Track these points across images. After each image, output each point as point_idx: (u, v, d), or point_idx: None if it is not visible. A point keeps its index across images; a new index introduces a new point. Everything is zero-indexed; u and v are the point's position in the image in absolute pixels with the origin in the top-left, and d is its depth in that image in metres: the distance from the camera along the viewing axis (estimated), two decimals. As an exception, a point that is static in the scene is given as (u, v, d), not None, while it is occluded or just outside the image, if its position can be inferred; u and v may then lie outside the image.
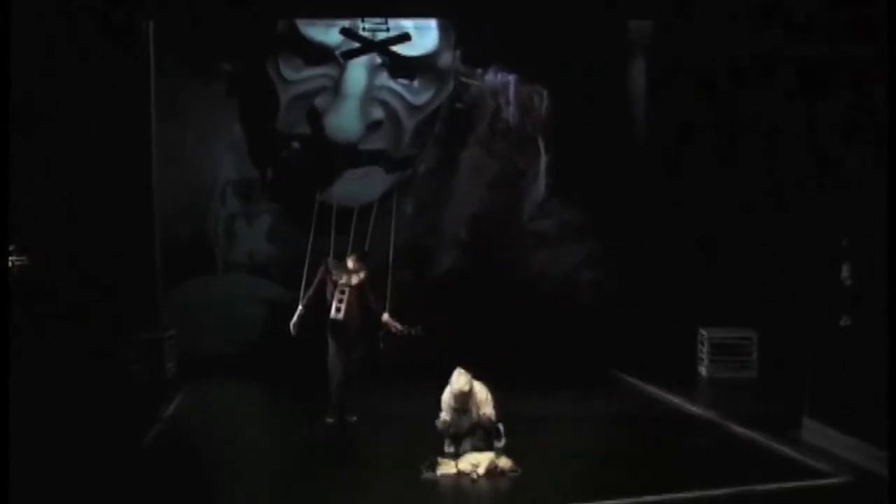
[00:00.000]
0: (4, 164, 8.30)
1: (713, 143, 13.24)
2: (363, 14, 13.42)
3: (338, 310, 10.62)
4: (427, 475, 9.00)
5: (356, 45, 13.64)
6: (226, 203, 13.92)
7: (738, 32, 12.67)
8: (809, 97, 11.47)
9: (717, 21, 12.67)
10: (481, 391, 9.29)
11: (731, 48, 12.84)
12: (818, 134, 11.16)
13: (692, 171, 13.37)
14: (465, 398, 9.16)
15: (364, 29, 13.60)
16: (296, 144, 13.92)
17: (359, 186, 13.90)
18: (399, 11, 13.33)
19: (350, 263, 10.88)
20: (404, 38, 13.59)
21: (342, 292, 10.68)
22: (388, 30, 13.60)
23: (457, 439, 9.24)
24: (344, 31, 13.55)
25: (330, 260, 11.20)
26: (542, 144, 14.18)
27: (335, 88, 13.87)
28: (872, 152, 9.40)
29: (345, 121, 13.89)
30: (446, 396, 9.31)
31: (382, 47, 13.66)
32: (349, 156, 13.88)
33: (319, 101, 13.89)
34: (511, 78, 14.11)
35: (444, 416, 9.29)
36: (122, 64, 12.74)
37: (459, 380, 9.20)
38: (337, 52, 13.67)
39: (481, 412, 9.23)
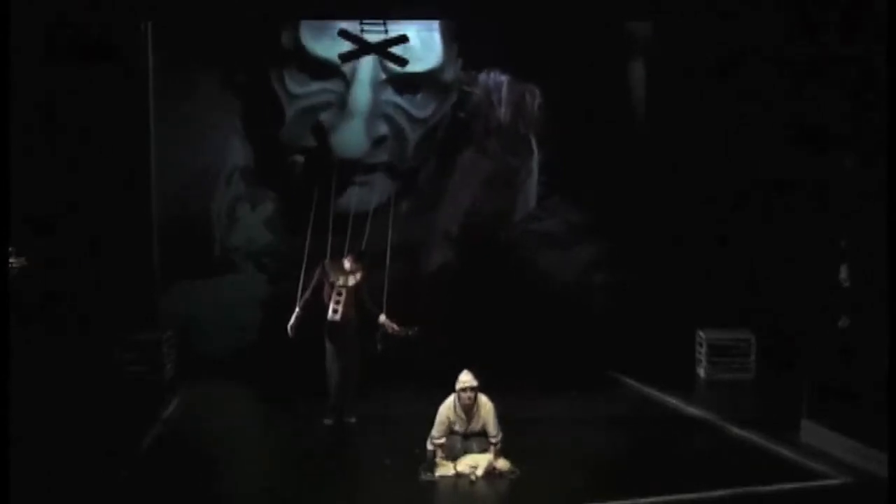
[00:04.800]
0: (4, 165, 8.30)
1: (710, 142, 13.24)
2: (362, 16, 13.36)
3: (335, 311, 10.62)
4: (425, 476, 9.00)
5: (354, 46, 13.60)
6: (227, 214, 13.87)
7: (735, 30, 12.68)
8: (808, 96, 11.46)
9: (714, 18, 12.68)
10: (487, 403, 9.27)
11: (728, 46, 12.84)
12: (817, 134, 11.15)
13: (689, 172, 13.37)
14: (470, 399, 9.14)
15: (363, 31, 13.54)
16: (300, 157, 13.87)
17: (362, 193, 13.81)
18: (398, 14, 13.28)
19: (347, 264, 10.89)
20: (402, 39, 13.52)
21: (339, 293, 10.68)
22: (386, 32, 13.55)
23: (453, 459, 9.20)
24: (342, 33, 13.49)
25: (327, 261, 11.19)
26: (534, 143, 14.20)
27: (341, 104, 13.83)
28: (872, 152, 9.40)
29: (350, 137, 13.84)
30: (444, 411, 9.23)
31: (381, 49, 13.61)
32: (352, 169, 13.84)
33: (325, 117, 13.83)
34: (503, 77, 14.12)
35: (438, 438, 9.21)
36: (121, 65, 12.73)
37: (467, 375, 9.19)
38: (336, 55, 13.62)
39: (486, 423, 9.20)
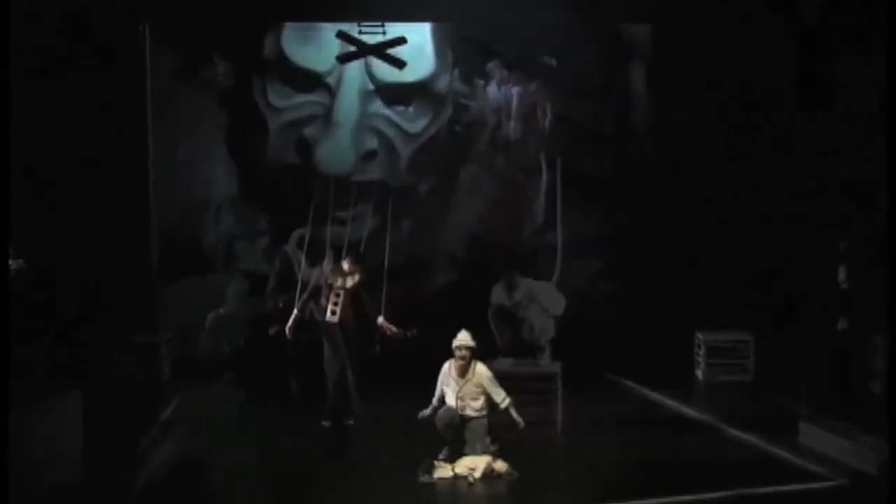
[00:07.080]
0: (4, 168, 8.30)
1: (711, 148, 13.23)
2: (362, 18, 13.30)
3: (333, 312, 10.61)
4: (424, 479, 9.00)
5: (352, 48, 13.55)
6: (221, 219, 13.84)
7: (737, 36, 12.68)
8: (807, 99, 11.48)
9: (717, 25, 12.69)
10: (484, 370, 9.37)
11: (730, 53, 12.84)
12: (816, 137, 11.16)
13: (688, 176, 13.36)
14: (464, 359, 9.23)
15: (361, 33, 13.47)
16: (286, 176, 13.64)
17: (356, 213, 13.55)
18: (398, 16, 13.23)
19: (345, 266, 10.89)
20: (400, 41, 13.44)
21: (337, 295, 10.67)
22: (384, 34, 13.49)
23: (454, 444, 9.23)
24: (340, 35, 13.44)
25: (325, 263, 11.18)
26: (544, 160, 14.02)
27: (326, 116, 13.57)
28: (870, 153, 9.41)
29: (337, 151, 13.56)
30: (442, 373, 9.40)
31: (379, 51, 13.53)
32: (341, 188, 13.54)
33: (309, 131, 13.57)
34: (513, 91, 13.94)
35: (435, 401, 9.40)
36: (120, 72, 12.75)
37: (465, 334, 9.36)
38: (334, 56, 13.57)
39: (486, 389, 9.30)
